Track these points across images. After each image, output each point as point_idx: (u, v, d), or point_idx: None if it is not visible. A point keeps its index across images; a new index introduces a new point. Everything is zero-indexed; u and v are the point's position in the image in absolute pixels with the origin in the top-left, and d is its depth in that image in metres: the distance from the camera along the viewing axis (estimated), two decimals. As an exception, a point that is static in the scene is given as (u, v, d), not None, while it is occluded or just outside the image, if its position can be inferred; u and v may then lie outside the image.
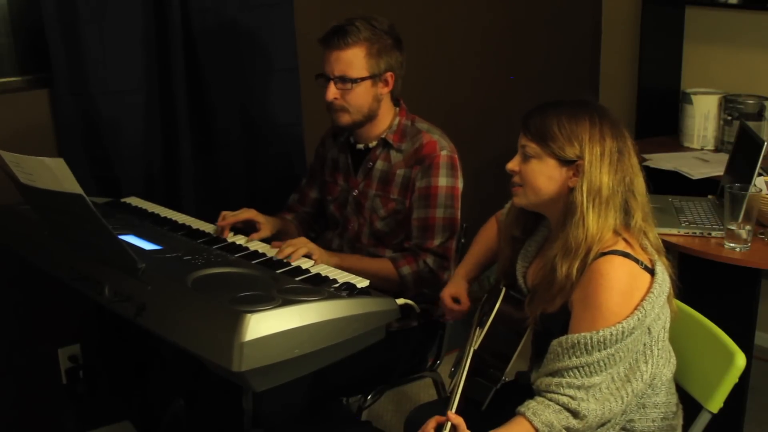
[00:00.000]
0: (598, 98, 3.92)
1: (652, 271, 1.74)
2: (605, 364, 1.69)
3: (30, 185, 1.91)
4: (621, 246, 1.73)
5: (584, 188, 1.73)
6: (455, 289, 2.14)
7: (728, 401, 1.85)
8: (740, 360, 1.82)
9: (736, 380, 1.84)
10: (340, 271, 2.02)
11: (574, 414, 1.69)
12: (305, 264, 2.05)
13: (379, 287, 2.03)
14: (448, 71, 3.47)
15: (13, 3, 2.62)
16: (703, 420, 1.87)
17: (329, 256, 2.19)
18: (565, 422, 1.69)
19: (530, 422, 1.68)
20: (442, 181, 2.29)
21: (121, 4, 2.58)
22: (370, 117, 2.32)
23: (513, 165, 1.84)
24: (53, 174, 1.78)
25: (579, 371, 1.69)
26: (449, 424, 1.67)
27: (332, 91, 2.26)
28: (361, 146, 2.41)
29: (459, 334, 2.25)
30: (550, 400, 1.71)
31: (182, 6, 2.65)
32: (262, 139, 2.90)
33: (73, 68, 2.54)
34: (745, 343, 2.23)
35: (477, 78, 3.57)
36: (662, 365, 1.80)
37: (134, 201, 2.54)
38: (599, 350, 1.68)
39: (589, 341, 1.68)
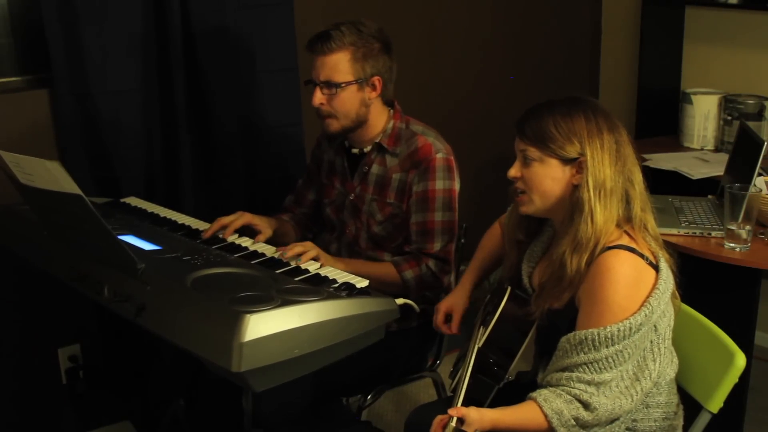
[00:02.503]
0: (599, 98, 3.93)
1: (656, 267, 1.75)
2: (614, 361, 1.69)
3: (30, 185, 1.91)
4: (625, 240, 1.74)
5: (590, 184, 1.74)
6: (452, 303, 2.13)
7: (728, 401, 1.85)
8: (740, 360, 1.82)
9: (736, 380, 1.84)
10: (339, 271, 2.02)
11: (585, 405, 1.69)
12: (305, 264, 2.05)
13: (382, 291, 2.02)
14: (448, 71, 3.47)
15: (13, 3, 2.62)
16: (703, 420, 1.87)
17: (335, 262, 2.18)
18: (575, 412, 1.69)
19: (540, 407, 1.69)
20: (439, 184, 2.29)
21: (121, 4, 2.58)
22: (360, 122, 2.30)
23: (515, 172, 1.83)
24: (52, 175, 1.78)
25: (588, 367, 1.70)
26: (454, 419, 1.67)
27: (318, 97, 2.25)
28: (356, 151, 2.40)
29: (459, 335, 2.25)
30: (562, 390, 1.71)
31: (182, 6, 2.65)
32: (262, 140, 2.90)
33: (73, 68, 2.55)
34: (745, 343, 2.23)
35: (477, 78, 3.57)
36: (666, 364, 1.81)
37: (134, 201, 2.54)
38: (607, 346, 1.68)
39: (597, 337, 1.68)
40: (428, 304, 2.35)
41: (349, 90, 2.24)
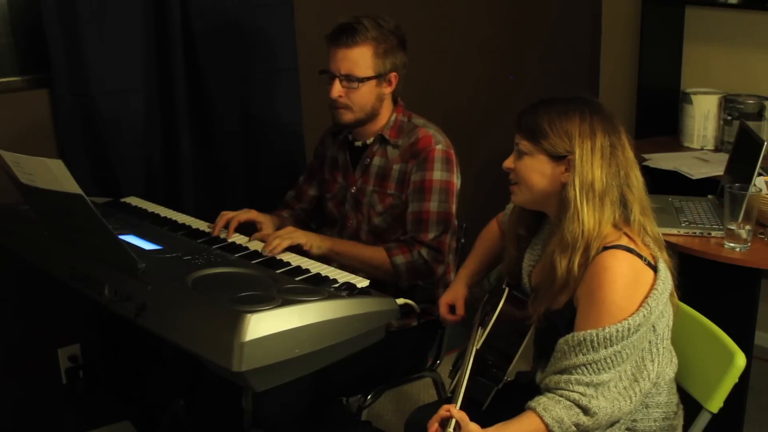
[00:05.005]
0: (598, 98, 3.92)
1: (654, 268, 1.75)
2: (612, 362, 1.69)
3: (30, 185, 1.91)
4: (624, 241, 1.74)
5: (576, 183, 1.74)
6: (453, 295, 2.14)
7: (728, 401, 1.85)
8: (740, 360, 1.82)
9: (736, 380, 1.84)
10: (339, 270, 2.02)
11: (585, 410, 1.69)
12: (305, 264, 2.05)
13: (371, 275, 2.02)
14: (448, 71, 3.47)
15: (13, 3, 2.62)
16: (703, 420, 1.87)
17: (321, 240, 2.19)
18: (576, 418, 1.69)
19: (540, 417, 1.69)
20: (437, 174, 2.29)
21: (121, 4, 2.58)
22: (372, 115, 2.33)
23: (508, 163, 1.86)
24: (53, 174, 1.78)
25: (587, 368, 1.70)
26: (453, 421, 1.67)
27: (337, 89, 2.27)
28: (359, 143, 2.41)
29: (459, 334, 2.26)
30: (561, 396, 1.71)
31: (182, 6, 2.65)
32: (263, 139, 2.90)
33: (73, 68, 2.54)
34: (745, 343, 2.23)
35: (477, 78, 3.57)
36: (665, 364, 1.81)
37: (134, 201, 2.54)
38: (605, 347, 1.68)
39: (595, 338, 1.68)
40: (429, 303, 2.35)
41: (368, 85, 2.26)
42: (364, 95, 2.27)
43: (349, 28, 2.24)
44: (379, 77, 2.27)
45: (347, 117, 2.30)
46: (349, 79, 2.25)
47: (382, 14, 2.30)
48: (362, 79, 2.25)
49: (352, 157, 2.43)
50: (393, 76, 2.30)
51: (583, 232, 1.72)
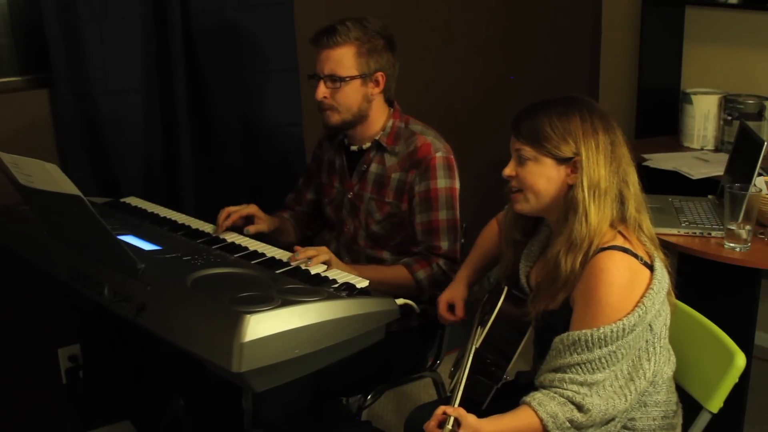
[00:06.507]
0: (599, 98, 3.93)
1: (651, 267, 1.75)
2: (607, 362, 1.70)
3: (29, 186, 1.91)
4: (619, 241, 1.74)
5: (584, 184, 1.74)
6: (452, 294, 2.14)
7: (728, 401, 1.86)
8: (740, 360, 1.82)
9: (736, 380, 1.84)
10: (339, 271, 2.02)
11: (579, 407, 1.70)
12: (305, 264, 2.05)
13: (394, 294, 2.02)
14: (448, 71, 3.47)
15: (13, 3, 2.62)
16: (703, 420, 1.87)
17: (348, 269, 2.16)
18: (570, 414, 1.69)
19: (535, 412, 1.69)
20: (441, 183, 2.29)
21: (121, 4, 2.58)
22: (361, 117, 2.32)
23: (509, 171, 1.84)
24: (51, 176, 1.79)
25: (581, 368, 1.70)
26: (452, 418, 1.67)
27: (322, 90, 2.27)
28: (354, 148, 2.40)
29: (459, 334, 2.25)
30: (555, 393, 1.72)
31: (182, 6, 2.65)
32: (262, 139, 2.90)
33: (73, 68, 2.55)
34: (745, 343, 2.23)
35: (477, 78, 3.57)
36: (663, 363, 1.81)
37: (134, 201, 2.54)
38: (600, 347, 1.68)
39: (590, 338, 1.68)
40: (428, 304, 2.35)
41: (352, 84, 2.26)
42: (349, 95, 2.27)
43: (331, 30, 2.25)
44: (364, 77, 2.26)
45: (334, 118, 2.30)
46: (332, 79, 2.25)
47: (371, 15, 2.30)
48: (344, 78, 2.24)
49: (348, 161, 2.43)
50: (380, 75, 2.29)
51: (589, 232, 1.73)
